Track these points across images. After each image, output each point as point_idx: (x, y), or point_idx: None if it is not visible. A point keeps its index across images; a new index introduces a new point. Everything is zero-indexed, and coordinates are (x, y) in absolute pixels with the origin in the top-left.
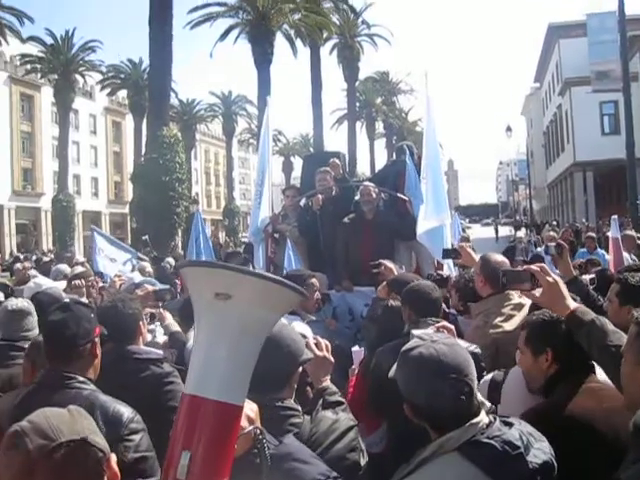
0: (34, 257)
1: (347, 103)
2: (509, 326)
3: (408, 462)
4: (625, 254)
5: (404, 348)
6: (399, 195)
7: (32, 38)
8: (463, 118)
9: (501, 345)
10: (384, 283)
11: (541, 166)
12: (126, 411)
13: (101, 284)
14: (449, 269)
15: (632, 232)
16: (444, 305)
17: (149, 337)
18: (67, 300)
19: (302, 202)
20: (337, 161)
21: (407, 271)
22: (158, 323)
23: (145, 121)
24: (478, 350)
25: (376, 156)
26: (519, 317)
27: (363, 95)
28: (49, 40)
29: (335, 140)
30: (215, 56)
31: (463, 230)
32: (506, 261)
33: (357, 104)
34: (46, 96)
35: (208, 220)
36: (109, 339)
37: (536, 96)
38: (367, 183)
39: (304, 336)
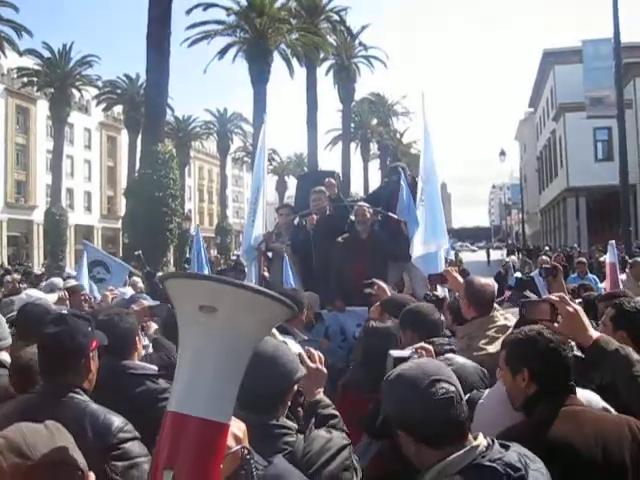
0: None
1: (342, 124)
2: (492, 348)
3: None
4: (622, 276)
5: (385, 378)
6: (393, 216)
7: (29, 51)
8: (456, 141)
9: (485, 368)
10: (377, 304)
11: (534, 191)
12: (117, 420)
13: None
14: (443, 290)
15: None
16: None
17: (143, 352)
18: (65, 312)
19: (296, 221)
20: (332, 180)
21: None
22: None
23: (140, 137)
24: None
25: (370, 177)
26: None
27: (358, 116)
28: (46, 53)
29: (329, 160)
30: (211, 74)
31: (455, 254)
32: (491, 284)
33: (352, 125)
34: (42, 109)
35: (201, 238)
36: (104, 353)
37: (530, 121)
38: (362, 203)
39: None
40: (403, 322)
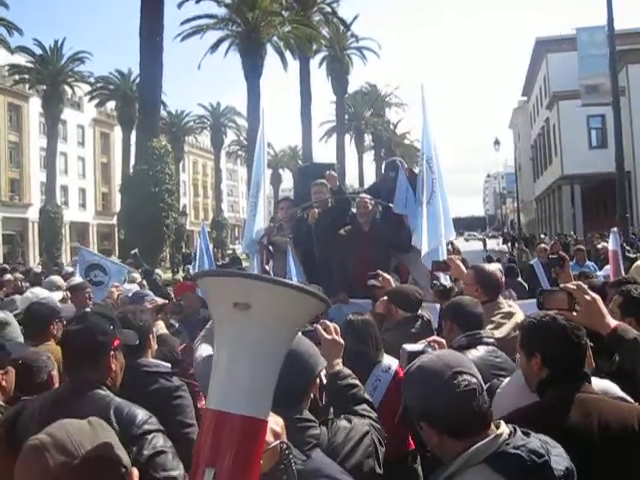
0: (22, 268)
1: (336, 116)
2: (499, 333)
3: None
4: None
5: (406, 370)
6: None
7: (21, 48)
8: (451, 130)
9: None
10: (383, 298)
11: (529, 179)
12: (141, 412)
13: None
14: (445, 280)
15: None
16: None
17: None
18: (88, 310)
19: (297, 214)
20: (334, 173)
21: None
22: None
23: (134, 132)
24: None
25: (365, 168)
26: (509, 325)
27: (352, 108)
28: (38, 50)
29: (324, 152)
30: (204, 67)
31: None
32: (497, 270)
33: (346, 117)
34: (34, 107)
35: (196, 232)
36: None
37: (524, 109)
38: (363, 195)
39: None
40: (445, 313)
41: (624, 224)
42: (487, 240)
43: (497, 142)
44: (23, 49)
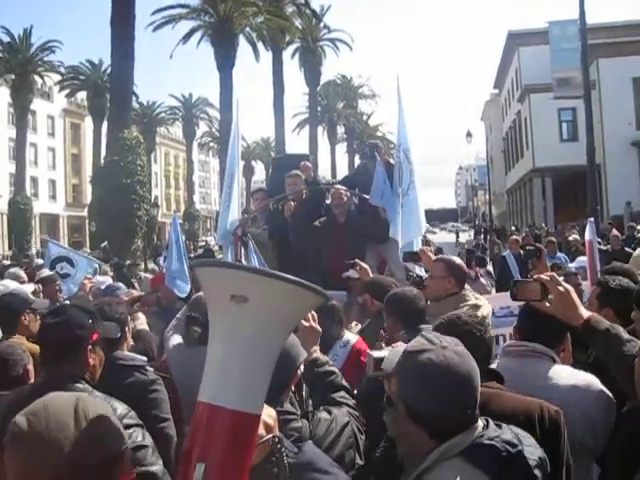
0: None
1: (309, 107)
2: None
3: (405, 473)
4: None
5: (411, 348)
6: (369, 198)
7: None
8: (422, 122)
9: None
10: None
11: (500, 172)
12: (120, 406)
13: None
14: (421, 271)
15: None
16: None
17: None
18: (67, 302)
19: (271, 205)
20: (308, 164)
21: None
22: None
23: (105, 123)
24: None
25: (337, 160)
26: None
27: (325, 99)
28: (6, 38)
29: (296, 144)
30: (176, 58)
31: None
32: (461, 261)
33: (319, 108)
34: (2, 96)
35: (168, 224)
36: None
37: (495, 102)
38: (338, 186)
39: None
40: (387, 307)
41: (595, 217)
42: (460, 232)
43: (469, 134)
44: None
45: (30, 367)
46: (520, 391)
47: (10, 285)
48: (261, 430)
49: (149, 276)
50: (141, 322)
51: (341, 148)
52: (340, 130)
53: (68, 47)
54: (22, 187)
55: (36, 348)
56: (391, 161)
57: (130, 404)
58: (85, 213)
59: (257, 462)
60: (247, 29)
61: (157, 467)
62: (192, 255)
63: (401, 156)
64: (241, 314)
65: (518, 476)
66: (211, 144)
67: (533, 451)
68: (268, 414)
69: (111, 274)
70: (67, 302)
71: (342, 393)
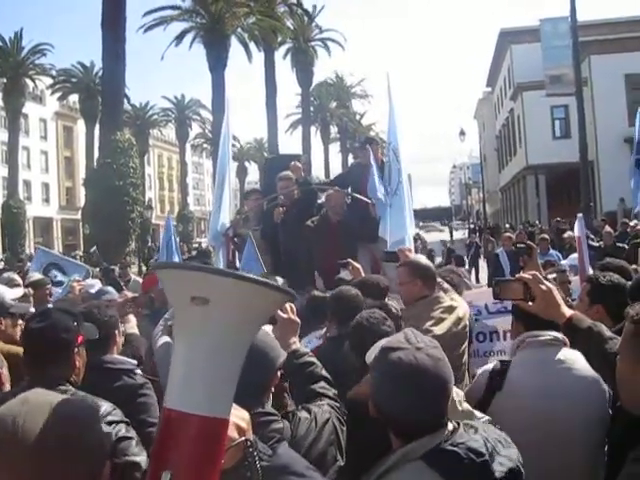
0: None
1: (301, 107)
2: (439, 330)
3: (368, 472)
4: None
5: (387, 344)
6: (362, 198)
7: None
8: (416, 121)
9: None
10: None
11: (494, 170)
12: (104, 404)
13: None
14: None
15: None
16: None
17: None
18: (50, 306)
19: (264, 206)
20: (298, 164)
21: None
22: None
23: (97, 126)
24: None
25: (330, 160)
26: (449, 320)
27: (317, 99)
28: None
29: (290, 144)
30: (168, 60)
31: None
32: (430, 263)
33: (311, 108)
34: None
35: (162, 226)
36: (85, 346)
37: (488, 100)
38: (337, 189)
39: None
40: (329, 305)
41: (588, 213)
42: (454, 231)
43: (462, 133)
44: None
45: (4, 371)
46: (550, 380)
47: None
48: (233, 433)
49: (139, 279)
50: (131, 325)
51: (334, 148)
52: (333, 130)
53: (59, 50)
54: (15, 191)
55: (15, 350)
56: (384, 160)
57: (118, 407)
58: (79, 216)
59: (230, 466)
60: (239, 30)
61: (141, 457)
62: (185, 257)
63: (390, 155)
64: (203, 316)
65: None
66: (204, 145)
67: (505, 462)
68: (241, 417)
69: (101, 278)
70: (50, 306)
71: (322, 384)
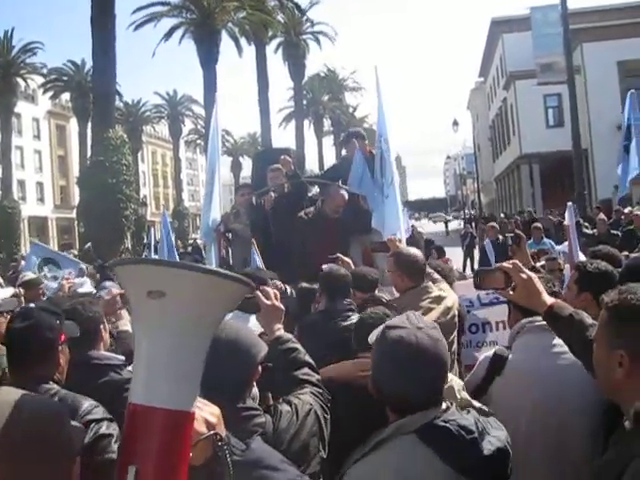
0: None
1: (294, 101)
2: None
3: (365, 443)
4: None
5: (390, 323)
6: (355, 191)
7: None
8: (409, 113)
9: None
10: None
11: (488, 160)
12: (85, 402)
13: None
14: None
15: None
16: None
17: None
18: (32, 305)
19: (253, 200)
20: (288, 158)
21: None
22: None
23: (90, 124)
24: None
25: (324, 153)
26: (438, 310)
27: (310, 93)
28: None
29: (283, 138)
30: (159, 56)
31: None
32: (419, 253)
33: (304, 102)
34: None
35: (158, 223)
36: (69, 343)
37: (481, 90)
38: (340, 186)
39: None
40: (319, 281)
41: (582, 201)
42: (449, 222)
43: (456, 123)
44: None
45: None
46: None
47: None
48: (202, 428)
49: None
50: (124, 322)
51: (328, 141)
52: (326, 123)
53: (50, 49)
54: (9, 191)
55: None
56: (373, 151)
57: (104, 404)
58: (74, 214)
59: (200, 462)
60: (229, 24)
61: None
62: (179, 252)
63: (383, 146)
64: (161, 310)
65: (468, 461)
66: (198, 141)
67: (494, 442)
68: (211, 412)
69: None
70: (32, 305)
71: (306, 370)
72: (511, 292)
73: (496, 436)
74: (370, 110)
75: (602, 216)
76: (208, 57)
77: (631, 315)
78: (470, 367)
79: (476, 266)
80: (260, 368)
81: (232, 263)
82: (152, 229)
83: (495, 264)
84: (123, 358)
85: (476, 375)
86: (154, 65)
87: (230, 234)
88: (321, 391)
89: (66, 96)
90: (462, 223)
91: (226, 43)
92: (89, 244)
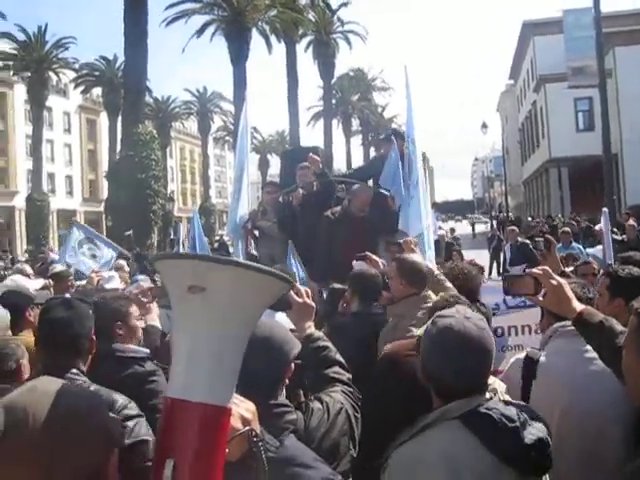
0: (9, 257)
1: (323, 100)
2: (420, 331)
3: (412, 425)
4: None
5: (440, 313)
6: (383, 191)
7: (4, 34)
8: (438, 115)
9: None
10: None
11: (517, 162)
12: (120, 398)
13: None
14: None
15: None
16: None
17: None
18: (68, 296)
19: (281, 198)
20: (315, 156)
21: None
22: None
23: (120, 119)
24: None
25: (352, 153)
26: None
27: (339, 92)
28: (21, 37)
29: (311, 137)
30: (190, 53)
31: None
32: (422, 260)
33: (333, 101)
34: (19, 94)
35: (184, 218)
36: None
37: (511, 93)
38: (366, 185)
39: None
40: (349, 282)
41: (611, 206)
42: (475, 224)
43: (485, 125)
44: (6, 35)
45: (24, 362)
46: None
47: (19, 281)
48: (237, 424)
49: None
50: (152, 317)
51: (356, 140)
52: (355, 123)
53: (83, 44)
54: (39, 183)
55: None
56: (405, 152)
57: (129, 396)
58: (102, 208)
59: (235, 458)
60: (260, 22)
61: (150, 437)
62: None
63: (410, 147)
64: (201, 305)
65: (510, 450)
66: (226, 138)
67: (535, 432)
68: (246, 408)
69: (127, 269)
70: (68, 296)
71: (336, 368)
72: (541, 298)
73: (537, 427)
74: (399, 110)
75: (632, 222)
76: (238, 54)
77: None
78: (496, 371)
79: (502, 269)
80: (293, 365)
81: (259, 260)
82: (180, 225)
83: (512, 267)
84: (148, 351)
85: (511, 379)
86: (184, 62)
87: (257, 231)
88: (352, 390)
89: (97, 91)
90: (489, 226)
91: (256, 40)
92: (130, 231)
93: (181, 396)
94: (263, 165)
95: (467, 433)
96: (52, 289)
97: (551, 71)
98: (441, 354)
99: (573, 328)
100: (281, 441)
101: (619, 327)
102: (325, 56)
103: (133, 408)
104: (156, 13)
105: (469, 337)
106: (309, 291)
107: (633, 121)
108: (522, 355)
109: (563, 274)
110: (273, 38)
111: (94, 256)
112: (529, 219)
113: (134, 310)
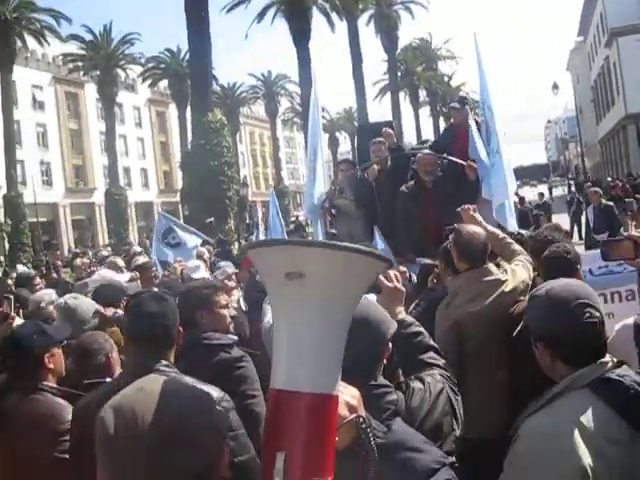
0: (92, 252)
1: (388, 73)
2: (472, 307)
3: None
4: None
5: (533, 292)
6: (456, 160)
7: (72, 36)
8: (506, 79)
9: (466, 328)
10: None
11: (591, 122)
12: (214, 391)
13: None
14: (513, 229)
15: None
16: None
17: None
18: (157, 290)
19: (358, 174)
20: (390, 130)
21: None
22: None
23: (188, 109)
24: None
25: (421, 124)
26: (492, 296)
27: (404, 64)
28: (88, 37)
29: (379, 111)
30: (252, 37)
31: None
32: (481, 232)
33: (399, 73)
34: (90, 92)
35: (259, 202)
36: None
37: (581, 50)
38: (426, 151)
39: None
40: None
41: None
42: (553, 188)
43: (555, 86)
44: (74, 37)
45: (114, 355)
46: None
47: (106, 275)
48: (344, 411)
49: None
50: (233, 301)
51: (424, 112)
52: (422, 94)
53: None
54: (116, 178)
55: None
56: (477, 119)
57: (215, 383)
58: (177, 198)
59: (344, 445)
60: (320, 0)
61: (248, 455)
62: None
63: (487, 114)
64: (300, 291)
65: None
66: (294, 119)
67: None
68: (351, 394)
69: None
70: (156, 290)
71: (431, 354)
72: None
73: None
74: (466, 78)
75: None
76: (300, 35)
77: None
78: None
79: (584, 233)
80: (390, 345)
81: (338, 238)
82: (256, 209)
83: (597, 231)
84: (235, 338)
85: (618, 347)
86: (247, 47)
87: (334, 210)
88: (449, 374)
89: (164, 83)
90: (566, 189)
91: (317, 18)
92: (212, 219)
93: (287, 387)
94: (333, 143)
95: (598, 402)
96: (139, 281)
97: (623, 23)
98: (557, 315)
99: None
100: (389, 426)
101: None
102: (387, 29)
103: (228, 400)
104: (217, 0)
105: (584, 302)
106: (398, 275)
107: None
108: (629, 321)
109: None
110: (334, 15)
111: (178, 244)
112: (609, 179)
113: (220, 298)
